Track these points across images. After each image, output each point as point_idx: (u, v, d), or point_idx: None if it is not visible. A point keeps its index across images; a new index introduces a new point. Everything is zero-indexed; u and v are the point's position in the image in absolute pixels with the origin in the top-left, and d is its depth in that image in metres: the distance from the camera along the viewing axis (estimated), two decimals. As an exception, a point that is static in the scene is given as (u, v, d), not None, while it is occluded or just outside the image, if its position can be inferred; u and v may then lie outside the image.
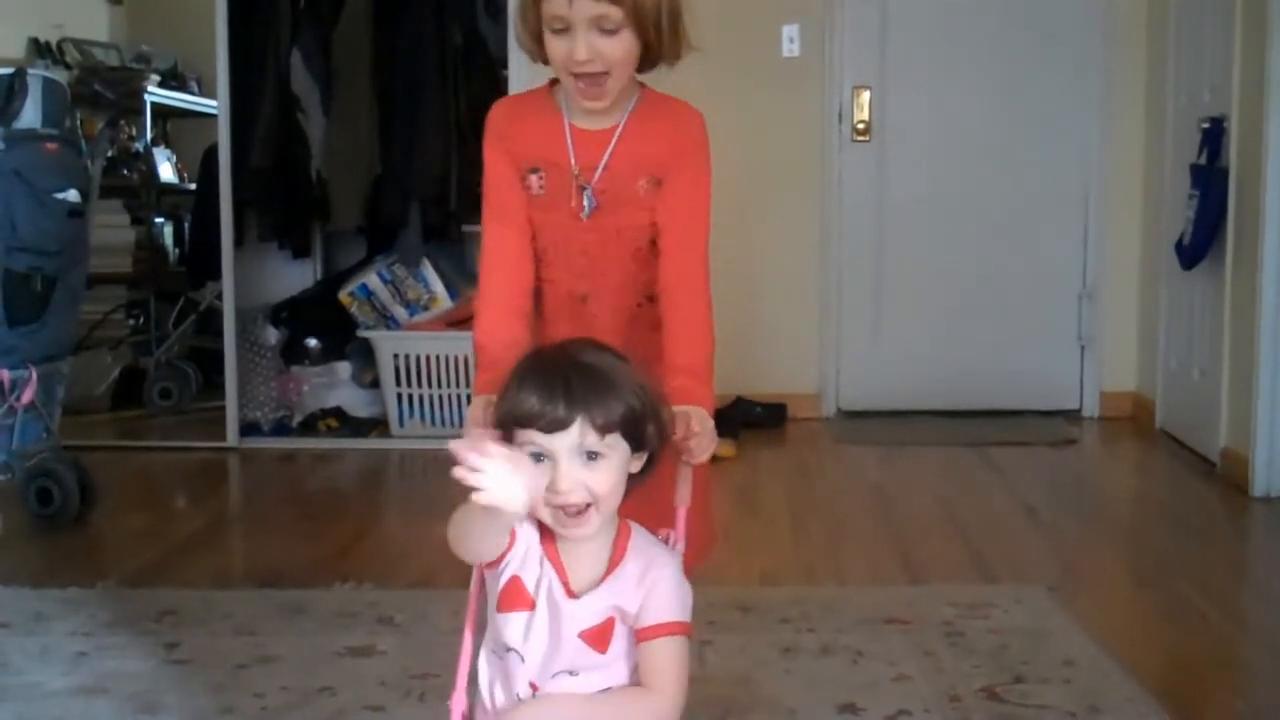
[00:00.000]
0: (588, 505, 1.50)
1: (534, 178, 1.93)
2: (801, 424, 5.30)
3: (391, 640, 2.73)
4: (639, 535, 1.58)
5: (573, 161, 1.91)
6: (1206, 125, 4.42)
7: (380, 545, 3.66)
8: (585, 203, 1.91)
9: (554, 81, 1.92)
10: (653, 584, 1.53)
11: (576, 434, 1.47)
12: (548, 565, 1.54)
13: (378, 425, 5.01)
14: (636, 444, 1.54)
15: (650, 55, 1.87)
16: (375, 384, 5.03)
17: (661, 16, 1.83)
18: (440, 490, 4.25)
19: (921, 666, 2.57)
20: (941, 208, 5.41)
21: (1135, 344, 5.36)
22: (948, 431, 5.13)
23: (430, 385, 4.87)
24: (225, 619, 2.87)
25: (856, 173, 5.41)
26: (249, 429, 4.93)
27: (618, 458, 1.52)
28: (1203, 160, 4.43)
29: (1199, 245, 4.41)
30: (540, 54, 1.87)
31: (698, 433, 1.70)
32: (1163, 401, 5.00)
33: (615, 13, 1.78)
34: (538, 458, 1.48)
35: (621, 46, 1.81)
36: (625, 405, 1.51)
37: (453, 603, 2.85)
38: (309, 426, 5.01)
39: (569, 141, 1.91)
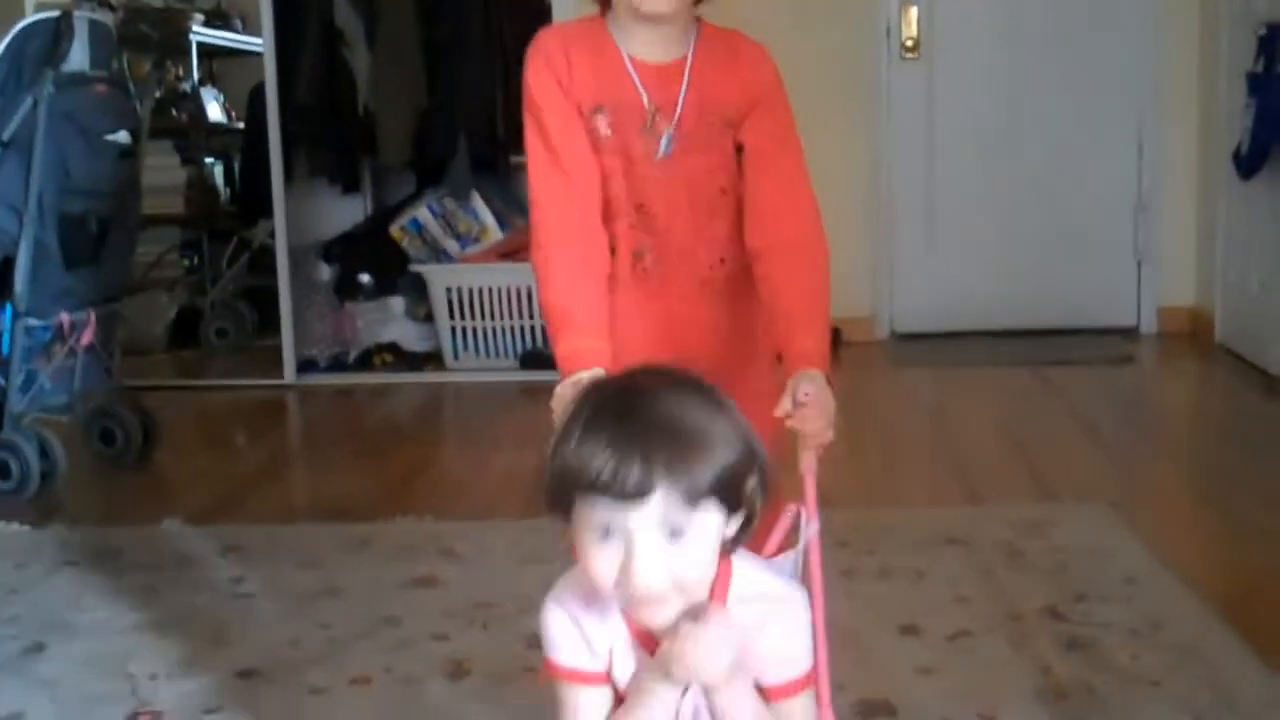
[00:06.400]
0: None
1: (599, 118, 1.70)
2: (856, 348, 5.26)
3: (453, 571, 2.76)
4: (742, 575, 1.32)
5: (645, 100, 1.70)
6: (1263, 32, 4.32)
7: (439, 478, 3.69)
8: (661, 145, 1.71)
9: (603, 10, 1.73)
10: (780, 636, 1.32)
11: (658, 507, 1.20)
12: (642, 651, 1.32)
13: (432, 359, 5.03)
14: (733, 505, 1.26)
15: None
16: (429, 318, 5.05)
17: None
18: (495, 422, 4.32)
19: (982, 587, 2.57)
20: (992, 123, 5.34)
21: (1193, 258, 5.27)
22: (1003, 352, 5.08)
23: (483, 318, 4.88)
24: (290, 553, 2.91)
25: (906, 90, 5.33)
26: (305, 365, 4.96)
27: (710, 531, 1.24)
28: (1259, 68, 4.34)
29: (1256, 155, 4.33)
30: None
31: (805, 404, 1.53)
32: (1221, 316, 4.93)
33: None
34: (604, 532, 1.22)
35: None
36: (720, 464, 1.22)
37: (512, 533, 2.89)
38: (364, 362, 5.04)
39: (634, 77, 1.70)
